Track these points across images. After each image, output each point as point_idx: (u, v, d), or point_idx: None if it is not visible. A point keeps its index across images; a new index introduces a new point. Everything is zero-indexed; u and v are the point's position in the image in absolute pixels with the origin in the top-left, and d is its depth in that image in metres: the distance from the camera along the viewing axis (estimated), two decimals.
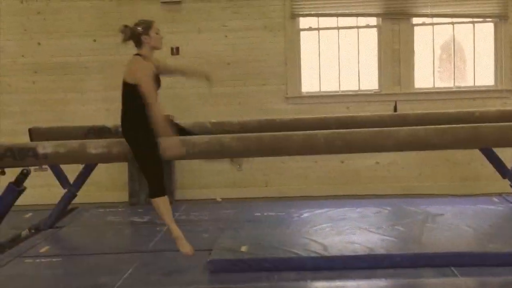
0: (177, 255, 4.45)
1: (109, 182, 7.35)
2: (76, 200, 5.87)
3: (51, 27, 7.35)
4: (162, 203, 4.11)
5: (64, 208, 5.80)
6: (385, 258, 4.18)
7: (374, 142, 4.17)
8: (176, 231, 4.15)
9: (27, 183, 4.59)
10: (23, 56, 7.38)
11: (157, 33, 4.28)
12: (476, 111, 5.39)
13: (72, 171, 5.68)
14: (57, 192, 5.85)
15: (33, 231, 5.49)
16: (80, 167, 5.63)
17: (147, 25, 4.25)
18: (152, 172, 4.11)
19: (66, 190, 5.71)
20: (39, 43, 7.37)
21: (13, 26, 7.37)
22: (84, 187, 5.83)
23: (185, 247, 4.12)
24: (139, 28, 4.23)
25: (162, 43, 4.36)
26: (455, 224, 5.02)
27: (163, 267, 4.32)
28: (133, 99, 4.13)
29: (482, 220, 5.15)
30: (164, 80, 7.24)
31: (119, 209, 6.52)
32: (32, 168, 4.37)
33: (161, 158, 4.08)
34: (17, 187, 4.37)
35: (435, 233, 4.79)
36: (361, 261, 4.19)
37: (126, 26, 4.25)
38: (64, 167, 5.59)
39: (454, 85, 7.37)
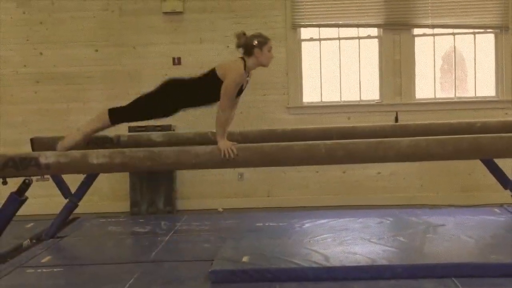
0: (179, 265, 4.46)
1: (111, 192, 7.36)
2: (77, 210, 5.87)
3: (53, 37, 7.38)
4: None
5: (65, 218, 5.80)
6: (386, 269, 4.17)
7: (375, 152, 4.17)
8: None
9: (28, 193, 4.59)
10: (25, 66, 7.41)
11: (269, 51, 4.26)
12: (478, 122, 5.39)
13: (73, 180, 5.69)
14: (59, 202, 5.85)
15: (34, 241, 5.49)
16: (81, 176, 5.63)
17: (263, 41, 4.24)
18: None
19: (67, 200, 5.71)
20: (41, 53, 7.40)
21: (15, 36, 7.40)
22: (85, 197, 5.83)
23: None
24: (255, 41, 4.23)
25: (270, 62, 4.32)
26: (456, 234, 5.02)
27: (164, 277, 4.31)
28: (204, 81, 4.26)
29: (484, 230, 5.15)
30: None
31: (121, 219, 6.52)
32: (34, 178, 4.37)
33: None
34: (19, 197, 4.36)
35: (436, 244, 4.79)
36: (362, 271, 4.18)
37: (244, 34, 4.29)
38: (65, 177, 5.60)
39: (455, 95, 7.39)
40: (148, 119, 4.47)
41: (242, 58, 4.26)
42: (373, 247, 4.70)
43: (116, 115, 4.29)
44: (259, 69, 7.12)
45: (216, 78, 4.21)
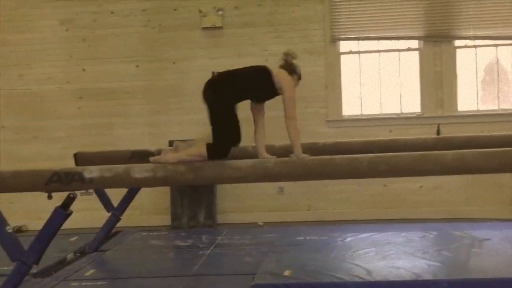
0: (220, 279, 4.45)
1: (152, 206, 7.42)
2: (119, 224, 5.92)
3: (95, 54, 7.51)
4: None
5: (108, 232, 5.86)
6: (431, 284, 4.10)
7: (419, 166, 4.11)
8: None
9: (72, 206, 4.65)
10: (68, 82, 7.55)
11: (296, 85, 4.34)
12: None
13: (115, 194, 5.75)
14: (101, 216, 5.91)
15: (78, 254, 5.55)
16: (122, 190, 5.69)
17: (300, 75, 4.37)
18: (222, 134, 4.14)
19: (110, 213, 5.77)
20: (84, 69, 7.53)
21: (59, 53, 7.56)
22: (127, 211, 5.88)
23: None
24: (298, 70, 4.36)
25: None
26: (502, 249, 4.91)
27: None
28: (258, 83, 4.24)
29: None
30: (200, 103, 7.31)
31: (162, 233, 6.56)
32: (78, 192, 4.42)
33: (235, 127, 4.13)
34: (64, 211, 4.42)
35: (482, 258, 4.69)
36: (407, 286, 4.12)
37: (293, 57, 4.38)
38: (108, 191, 5.67)
39: (498, 107, 7.26)
40: (238, 139, 4.23)
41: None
42: (417, 262, 4.62)
43: (210, 152, 4.12)
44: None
45: (270, 80, 4.22)
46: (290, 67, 4.34)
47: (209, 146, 4.11)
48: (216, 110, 4.18)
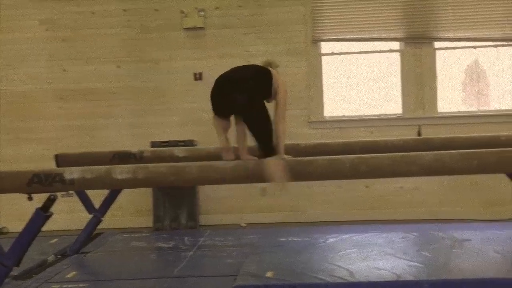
0: (202, 281, 4.44)
1: (134, 207, 7.40)
2: (101, 226, 5.89)
3: (77, 54, 7.47)
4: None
5: (89, 234, 5.82)
6: (413, 285, 4.12)
7: (399, 167, 4.13)
8: None
9: (52, 208, 4.62)
10: (49, 82, 7.49)
11: None
12: (502, 135, 5.33)
13: (96, 196, 5.72)
14: (83, 218, 5.88)
15: (59, 256, 5.51)
16: (105, 192, 5.66)
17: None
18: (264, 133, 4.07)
19: (91, 215, 5.74)
20: (64, 70, 7.48)
21: (39, 53, 7.50)
22: (109, 212, 5.85)
23: None
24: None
25: None
26: (482, 249, 4.95)
27: None
28: (265, 83, 4.23)
29: (511, 245, 5.08)
30: (187, 106, 7.33)
31: (144, 235, 6.53)
32: (59, 194, 4.39)
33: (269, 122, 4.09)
34: (44, 212, 4.39)
35: (463, 259, 4.73)
36: (388, 287, 4.14)
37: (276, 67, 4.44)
38: (89, 192, 5.63)
39: (478, 109, 7.33)
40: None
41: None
42: (398, 262, 4.65)
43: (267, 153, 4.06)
44: None
45: (271, 82, 4.25)
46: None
47: (264, 152, 4.02)
48: (256, 111, 4.07)
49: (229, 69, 4.38)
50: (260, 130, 4.06)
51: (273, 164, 4.01)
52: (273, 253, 5.15)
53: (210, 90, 4.23)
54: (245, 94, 4.08)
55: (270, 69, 4.37)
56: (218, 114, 4.28)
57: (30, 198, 4.27)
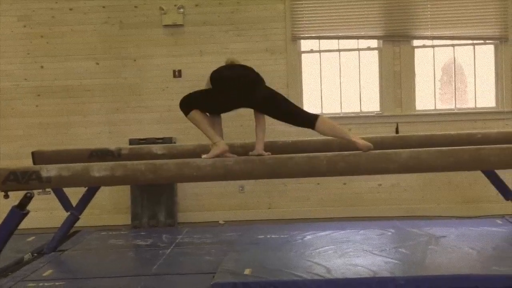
0: (180, 279, 4.44)
1: (112, 205, 7.36)
2: (78, 223, 5.86)
3: (54, 51, 7.40)
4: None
5: (66, 232, 5.79)
6: (389, 281, 4.16)
7: (376, 164, 4.17)
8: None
9: (29, 206, 4.59)
10: (26, 79, 7.43)
11: None
12: (478, 133, 5.40)
13: (74, 193, 5.69)
14: (60, 215, 5.85)
15: (35, 254, 5.48)
16: (82, 189, 5.63)
17: None
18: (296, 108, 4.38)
19: (68, 213, 5.71)
20: (42, 67, 7.42)
21: (16, 49, 7.42)
22: (86, 210, 5.83)
23: None
24: None
25: None
26: (458, 246, 5.02)
27: None
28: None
29: (486, 242, 5.14)
30: (165, 103, 7.30)
31: (122, 232, 6.51)
32: (35, 191, 4.36)
33: None
34: (20, 210, 4.35)
35: (438, 256, 4.78)
36: (365, 284, 4.17)
37: None
38: (67, 190, 5.60)
39: (455, 107, 7.40)
40: None
41: None
42: (375, 259, 4.69)
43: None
44: None
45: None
46: None
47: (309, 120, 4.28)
48: (279, 97, 4.33)
49: (224, 68, 4.51)
50: (292, 108, 4.33)
51: (328, 122, 4.30)
52: (251, 251, 5.17)
53: (217, 88, 4.32)
54: (267, 89, 4.34)
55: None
56: (221, 111, 4.40)
57: (6, 196, 4.24)
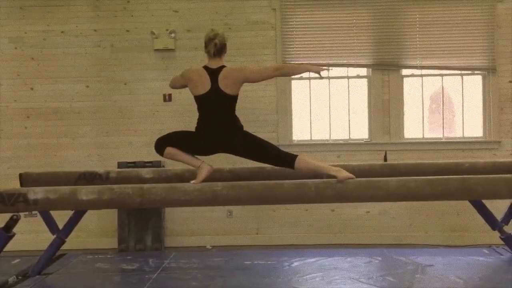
0: None
1: (98, 228, 7.32)
2: (64, 246, 5.81)
3: (45, 73, 7.41)
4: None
5: (52, 254, 5.73)
6: None
7: (364, 192, 4.19)
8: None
9: (15, 228, 4.56)
10: (15, 101, 7.42)
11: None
12: (466, 162, 5.43)
13: (60, 216, 5.65)
14: (46, 238, 5.79)
15: (20, 277, 5.41)
16: (69, 212, 5.59)
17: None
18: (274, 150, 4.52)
19: (55, 236, 5.66)
20: (32, 88, 7.42)
21: (7, 71, 7.42)
22: (73, 233, 5.77)
23: None
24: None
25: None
26: (445, 275, 5.02)
27: None
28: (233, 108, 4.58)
29: (473, 271, 5.15)
30: (155, 126, 7.28)
31: (108, 256, 6.45)
32: (22, 214, 4.34)
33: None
34: (6, 232, 4.34)
35: (425, 284, 4.77)
36: None
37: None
38: (53, 212, 5.56)
39: (443, 135, 7.45)
40: None
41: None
42: (362, 287, 4.68)
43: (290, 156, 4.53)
44: (249, 107, 7.20)
45: (235, 96, 4.67)
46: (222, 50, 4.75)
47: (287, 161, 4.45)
48: (257, 142, 4.61)
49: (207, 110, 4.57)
50: (271, 152, 4.49)
51: (306, 161, 4.41)
52: (238, 276, 5.14)
53: (199, 135, 4.53)
54: (245, 136, 4.56)
55: (225, 71, 4.64)
56: (201, 154, 4.60)
57: None
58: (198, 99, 4.57)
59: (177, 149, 4.45)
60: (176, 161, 4.64)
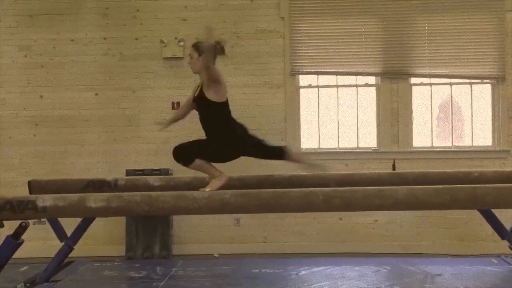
0: None
1: (106, 236, 7.32)
2: (72, 254, 5.81)
3: (54, 81, 7.45)
4: None
5: (60, 262, 5.74)
6: None
7: (372, 201, 4.18)
8: None
9: (23, 235, 4.57)
10: (25, 108, 7.45)
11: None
12: (475, 171, 5.41)
13: (68, 223, 5.66)
14: (54, 245, 5.80)
15: (28, 284, 5.42)
16: (77, 219, 5.60)
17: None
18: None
19: (63, 243, 5.67)
20: (41, 96, 7.45)
21: (16, 79, 7.46)
22: (81, 241, 5.78)
23: None
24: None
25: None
26: (454, 285, 4.99)
27: None
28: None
29: (481, 281, 5.12)
30: (163, 134, 7.27)
31: (116, 263, 6.46)
32: (31, 221, 4.35)
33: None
34: (15, 240, 4.34)
35: None
36: None
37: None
38: (61, 219, 5.57)
39: (452, 144, 7.43)
40: None
41: None
42: None
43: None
44: (257, 115, 7.18)
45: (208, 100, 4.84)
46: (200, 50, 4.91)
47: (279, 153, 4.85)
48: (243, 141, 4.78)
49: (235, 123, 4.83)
50: (264, 149, 4.74)
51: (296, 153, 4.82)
52: (245, 285, 5.14)
53: (234, 143, 4.68)
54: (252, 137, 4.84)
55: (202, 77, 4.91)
56: (223, 161, 4.69)
57: (1, 225, 4.23)
58: (226, 104, 4.75)
59: (205, 161, 4.49)
60: (191, 170, 4.66)
